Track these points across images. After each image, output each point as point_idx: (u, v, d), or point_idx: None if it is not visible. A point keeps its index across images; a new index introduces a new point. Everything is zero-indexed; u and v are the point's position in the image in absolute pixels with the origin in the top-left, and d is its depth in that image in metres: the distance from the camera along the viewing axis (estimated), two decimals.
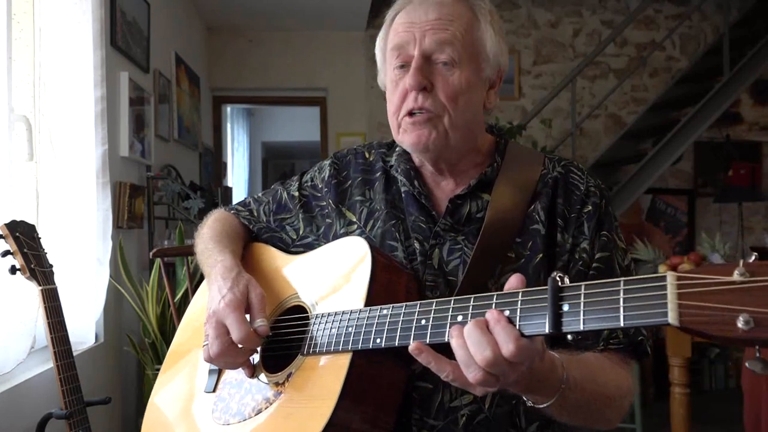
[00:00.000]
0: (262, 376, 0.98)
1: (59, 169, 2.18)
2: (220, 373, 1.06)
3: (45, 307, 1.56)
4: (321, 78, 5.14)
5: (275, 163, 8.35)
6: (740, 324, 0.54)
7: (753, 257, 0.56)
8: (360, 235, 1.05)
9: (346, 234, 1.08)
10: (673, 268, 2.62)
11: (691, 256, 2.70)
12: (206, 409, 1.03)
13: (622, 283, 0.62)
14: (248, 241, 1.23)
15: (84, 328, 2.25)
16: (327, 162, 1.20)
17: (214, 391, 1.04)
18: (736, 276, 0.55)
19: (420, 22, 0.97)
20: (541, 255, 0.97)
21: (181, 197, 3.34)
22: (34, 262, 1.57)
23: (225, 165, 5.73)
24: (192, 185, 3.61)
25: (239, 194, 6.14)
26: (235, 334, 0.92)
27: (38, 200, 2.15)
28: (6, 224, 1.57)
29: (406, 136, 1.01)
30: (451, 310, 0.76)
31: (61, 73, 2.19)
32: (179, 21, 4.08)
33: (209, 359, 0.96)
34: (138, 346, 2.63)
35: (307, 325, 0.96)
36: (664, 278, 0.59)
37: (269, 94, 5.34)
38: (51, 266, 1.63)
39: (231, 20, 4.87)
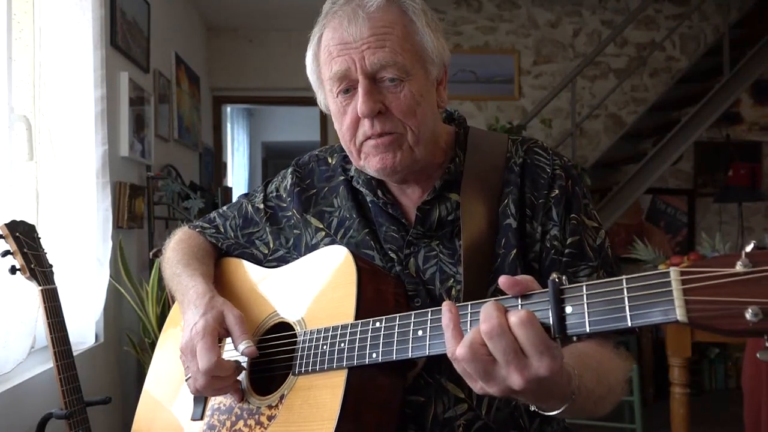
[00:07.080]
0: (253, 400, 0.94)
1: (59, 169, 2.18)
2: (206, 398, 1.02)
3: (45, 307, 1.55)
4: None
5: (275, 163, 8.32)
6: (749, 316, 0.53)
7: (752, 245, 0.55)
8: (332, 244, 1.00)
9: (318, 244, 1.03)
10: None
11: (691, 256, 2.70)
12: None
13: (624, 281, 0.60)
14: (218, 257, 1.16)
15: (84, 328, 2.24)
16: (289, 170, 1.14)
17: (201, 418, 1.00)
18: (739, 267, 0.54)
19: (354, 42, 0.90)
20: (515, 251, 0.93)
21: (181, 197, 3.34)
22: (34, 262, 1.57)
23: (225, 165, 5.73)
24: (192, 185, 3.61)
25: (239, 194, 6.12)
26: (201, 362, 0.88)
27: (38, 200, 2.14)
28: (6, 224, 1.57)
29: (369, 162, 0.95)
30: None
31: (61, 73, 2.19)
32: (179, 21, 4.08)
33: (197, 392, 0.93)
34: (138, 346, 2.63)
35: (294, 343, 0.92)
36: (667, 274, 0.57)
37: (269, 94, 5.34)
38: (51, 266, 1.63)
39: (231, 20, 4.87)
